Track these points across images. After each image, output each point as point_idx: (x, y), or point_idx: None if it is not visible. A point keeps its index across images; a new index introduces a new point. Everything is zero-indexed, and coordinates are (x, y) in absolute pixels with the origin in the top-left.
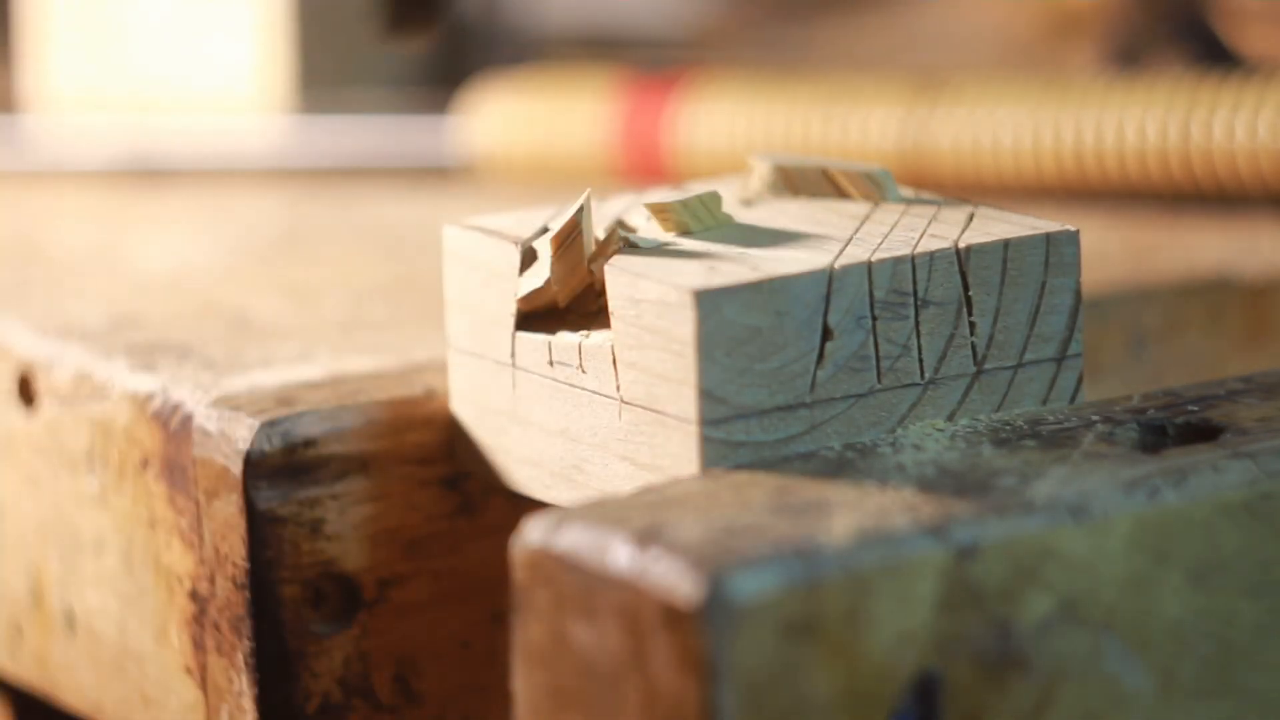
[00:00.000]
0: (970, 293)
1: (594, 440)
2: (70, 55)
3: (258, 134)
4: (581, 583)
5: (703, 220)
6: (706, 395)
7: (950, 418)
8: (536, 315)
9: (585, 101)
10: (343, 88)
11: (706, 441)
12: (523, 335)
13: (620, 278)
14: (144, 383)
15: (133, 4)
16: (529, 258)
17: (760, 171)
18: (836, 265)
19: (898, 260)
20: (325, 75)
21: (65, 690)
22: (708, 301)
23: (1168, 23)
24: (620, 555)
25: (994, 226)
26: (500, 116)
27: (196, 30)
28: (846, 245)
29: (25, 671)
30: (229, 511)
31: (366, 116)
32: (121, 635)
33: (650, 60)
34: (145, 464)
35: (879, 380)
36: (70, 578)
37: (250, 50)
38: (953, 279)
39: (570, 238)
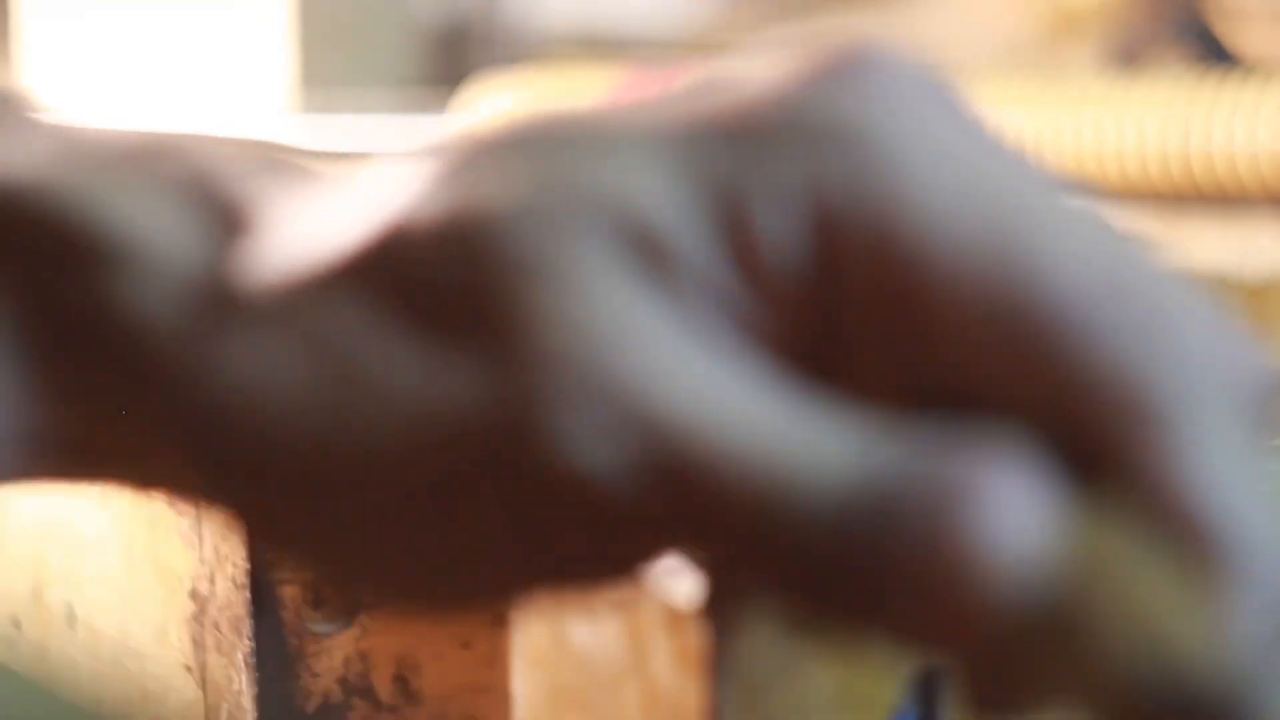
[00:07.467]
0: None
1: None
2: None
3: (259, 133)
4: None
5: None
6: None
7: None
8: None
9: (585, 101)
10: (343, 87)
11: None
12: None
13: None
14: None
15: (136, 3)
16: None
17: None
18: None
19: None
20: (326, 75)
21: (64, 685)
22: None
23: (1168, 23)
24: None
25: None
26: (500, 116)
27: (199, 30)
28: None
29: (23, 665)
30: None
31: (367, 116)
32: (122, 633)
33: (650, 60)
34: None
35: None
36: (71, 575)
37: (252, 50)
38: None
39: None
